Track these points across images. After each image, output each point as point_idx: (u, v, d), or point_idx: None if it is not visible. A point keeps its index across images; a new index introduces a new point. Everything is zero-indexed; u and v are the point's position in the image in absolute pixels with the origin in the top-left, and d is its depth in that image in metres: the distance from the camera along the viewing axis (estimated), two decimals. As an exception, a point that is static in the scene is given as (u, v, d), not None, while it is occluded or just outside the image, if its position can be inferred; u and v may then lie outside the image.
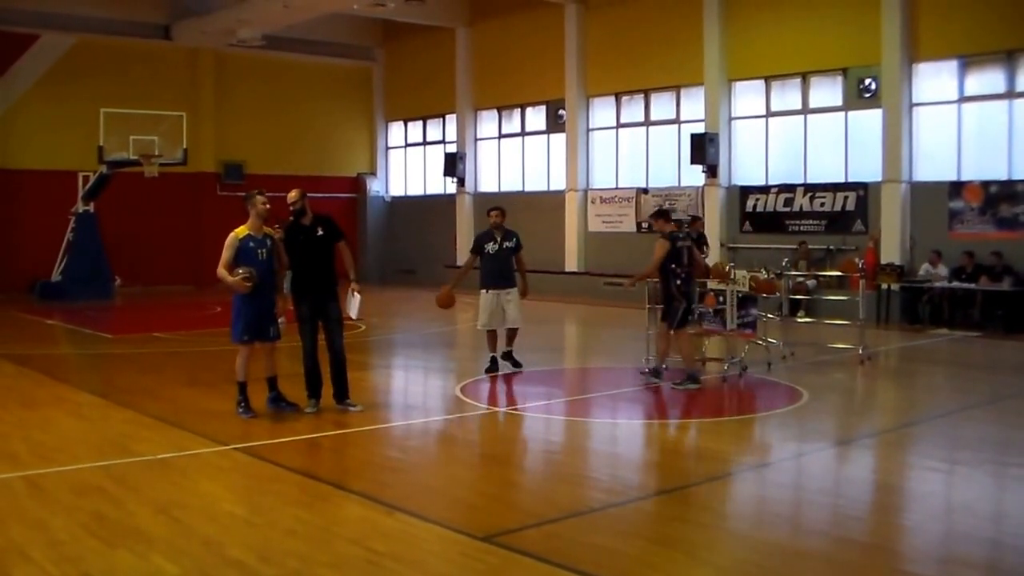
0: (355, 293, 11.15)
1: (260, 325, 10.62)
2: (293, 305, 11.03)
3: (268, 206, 10.64)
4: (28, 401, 11.91)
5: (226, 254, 10.42)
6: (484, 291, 13.72)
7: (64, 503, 7.57)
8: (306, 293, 10.86)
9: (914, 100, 21.03)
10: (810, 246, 22.00)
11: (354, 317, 11.45)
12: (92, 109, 26.41)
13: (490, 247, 13.83)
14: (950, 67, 20.59)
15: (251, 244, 10.52)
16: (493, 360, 13.70)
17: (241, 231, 10.55)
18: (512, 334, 13.85)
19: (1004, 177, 19.74)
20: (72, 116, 28.03)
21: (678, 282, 12.69)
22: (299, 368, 11.08)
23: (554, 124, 29.18)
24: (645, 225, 26.22)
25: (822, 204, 22.44)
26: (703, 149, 23.94)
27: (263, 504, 7.58)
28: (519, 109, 30.46)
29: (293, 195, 10.89)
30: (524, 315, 13.81)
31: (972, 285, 19.20)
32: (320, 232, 10.87)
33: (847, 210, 22.00)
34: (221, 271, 10.36)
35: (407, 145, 35.14)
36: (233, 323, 10.68)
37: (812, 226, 22.56)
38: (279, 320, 10.88)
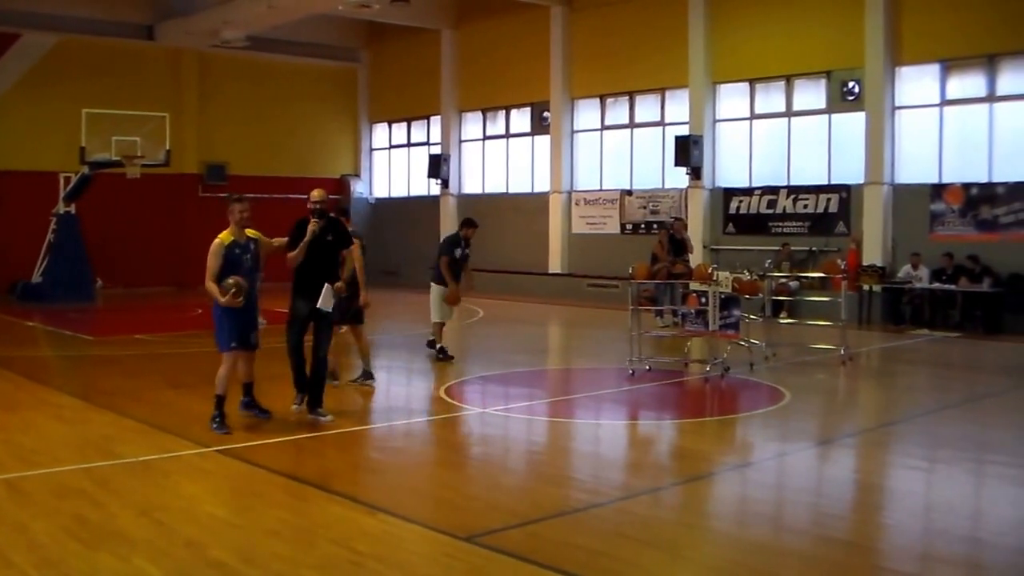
0: (330, 288, 10.70)
1: (244, 332, 10.16)
2: (290, 300, 10.91)
3: (247, 214, 10.11)
4: (8, 404, 11.80)
5: (213, 263, 9.85)
6: (439, 287, 15.23)
7: (45, 506, 7.52)
8: (305, 291, 10.78)
9: (897, 103, 21.13)
10: (793, 247, 22.08)
11: (320, 307, 10.81)
12: (74, 109, 26.21)
13: (458, 252, 15.25)
14: (932, 71, 20.70)
15: (236, 251, 10.00)
16: (443, 349, 15.26)
17: (225, 237, 9.99)
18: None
19: (984, 180, 19.84)
20: (54, 116, 27.84)
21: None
22: (278, 370, 11.07)
23: (538, 126, 29.19)
24: (629, 227, 26.33)
25: (805, 206, 22.51)
26: (687, 151, 23.98)
27: (246, 506, 7.57)
28: (504, 111, 30.46)
29: (317, 194, 10.87)
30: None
31: (952, 286, 19.30)
32: (330, 237, 10.84)
33: (830, 212, 22.07)
34: (210, 284, 9.82)
35: (391, 147, 35.09)
36: (218, 332, 10.13)
37: (795, 228, 22.63)
38: (260, 323, 10.64)
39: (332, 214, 11.26)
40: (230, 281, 9.84)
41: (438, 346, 15.30)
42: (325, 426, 10.48)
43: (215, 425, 9.97)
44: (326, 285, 10.70)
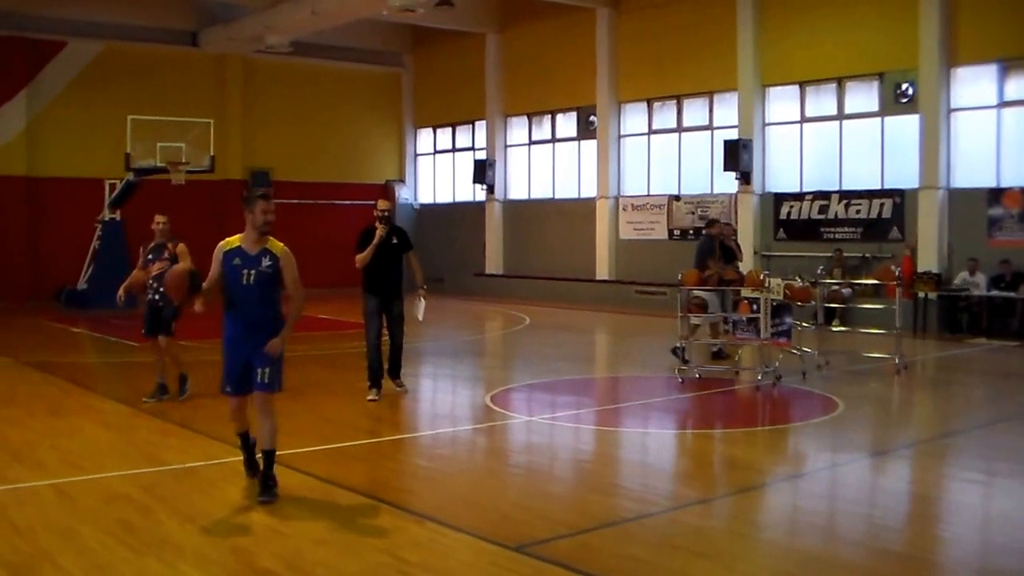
0: (421, 298, 12.78)
1: (245, 372, 7.94)
2: (362, 301, 12.31)
3: (270, 217, 7.88)
4: (55, 409, 11.89)
5: (212, 269, 7.99)
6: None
7: (93, 511, 7.54)
8: (375, 292, 12.32)
9: (952, 105, 20.79)
10: (845, 254, 21.77)
11: (420, 319, 12.95)
12: (119, 116, 26.41)
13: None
14: (989, 71, 20.36)
15: (235, 261, 7.82)
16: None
17: (231, 242, 7.94)
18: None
19: (1045, 183, 19.49)
20: (99, 123, 28.11)
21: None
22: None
23: (585, 130, 29.06)
24: (677, 232, 26.12)
25: (858, 211, 22.22)
26: (736, 155, 23.77)
27: (292, 514, 7.49)
28: (550, 115, 30.37)
29: (386, 204, 12.60)
30: None
31: (1011, 294, 18.95)
32: (395, 241, 12.38)
33: (883, 217, 21.76)
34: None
35: (436, 152, 35.14)
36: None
37: (847, 234, 22.34)
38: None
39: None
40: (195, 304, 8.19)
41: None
42: (372, 433, 10.59)
43: (246, 466, 8.32)
44: (421, 300, 12.78)
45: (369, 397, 12.26)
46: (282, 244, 7.97)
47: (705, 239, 16.34)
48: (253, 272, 7.76)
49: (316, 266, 31.42)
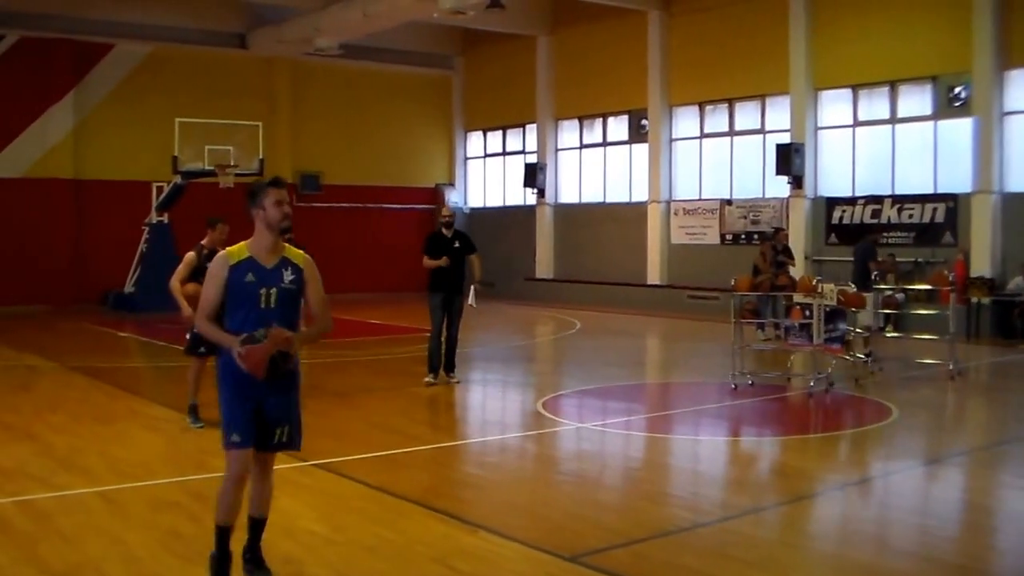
0: (473, 288, 14.47)
1: (257, 419, 5.96)
2: (428, 296, 13.73)
3: (288, 209, 5.89)
4: (102, 415, 11.89)
5: (209, 290, 5.89)
6: None
7: (141, 519, 7.54)
8: (440, 289, 13.73)
9: (1006, 108, 20.56)
10: (898, 259, 21.54)
11: (473, 305, 14.46)
12: (167, 119, 26.46)
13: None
14: (1044, 74, 20.08)
15: (249, 278, 5.81)
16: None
17: (236, 252, 5.88)
18: None
19: (1102, 187, 19.21)
20: (147, 126, 28.16)
21: None
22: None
23: (636, 134, 28.98)
24: (729, 237, 26.00)
25: (910, 216, 22.00)
26: (788, 159, 23.62)
27: (344, 521, 7.52)
28: (601, 119, 30.32)
29: (447, 210, 14.72)
30: None
31: (1067, 299, 18.71)
32: (457, 244, 13.84)
33: (936, 222, 21.54)
34: (199, 319, 5.93)
35: (486, 155, 35.14)
36: (220, 412, 6.04)
37: (900, 238, 22.12)
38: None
39: None
40: (241, 342, 5.66)
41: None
42: (423, 440, 10.57)
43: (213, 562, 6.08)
44: (472, 287, 14.44)
45: (426, 380, 13.73)
46: (301, 251, 6.06)
47: (866, 244, 16.95)
48: (274, 291, 5.82)
49: (367, 270, 31.68)
